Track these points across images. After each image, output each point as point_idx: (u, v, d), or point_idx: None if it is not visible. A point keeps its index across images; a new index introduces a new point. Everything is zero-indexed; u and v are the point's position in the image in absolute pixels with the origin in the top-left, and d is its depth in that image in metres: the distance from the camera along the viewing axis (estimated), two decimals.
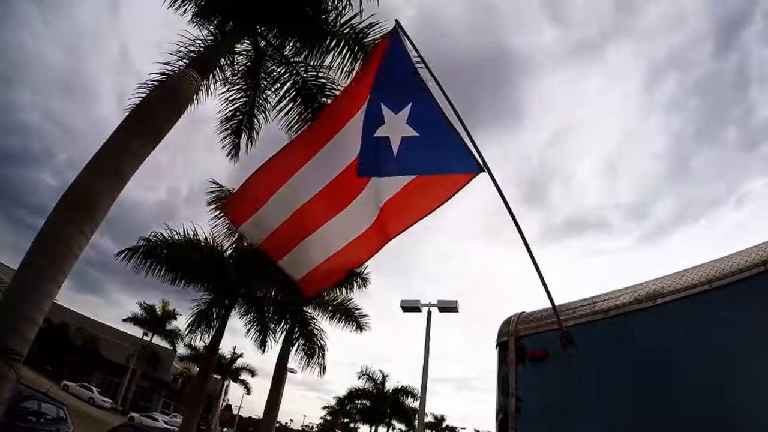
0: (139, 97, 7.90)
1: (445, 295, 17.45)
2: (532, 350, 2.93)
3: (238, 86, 10.22)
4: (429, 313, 16.50)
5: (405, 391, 42.18)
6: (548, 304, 3.10)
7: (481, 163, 3.26)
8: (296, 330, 18.05)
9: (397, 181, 3.59)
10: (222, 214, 15.76)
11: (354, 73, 9.33)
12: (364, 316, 19.58)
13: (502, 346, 3.16)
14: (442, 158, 3.43)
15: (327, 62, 9.47)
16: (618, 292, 2.92)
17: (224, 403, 56.27)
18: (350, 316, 19.31)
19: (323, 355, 18.21)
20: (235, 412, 64.53)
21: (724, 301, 2.37)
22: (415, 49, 3.70)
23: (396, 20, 3.82)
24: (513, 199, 3.65)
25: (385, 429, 47.55)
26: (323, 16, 8.64)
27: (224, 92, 10.20)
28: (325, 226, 3.90)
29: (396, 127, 3.63)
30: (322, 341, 18.16)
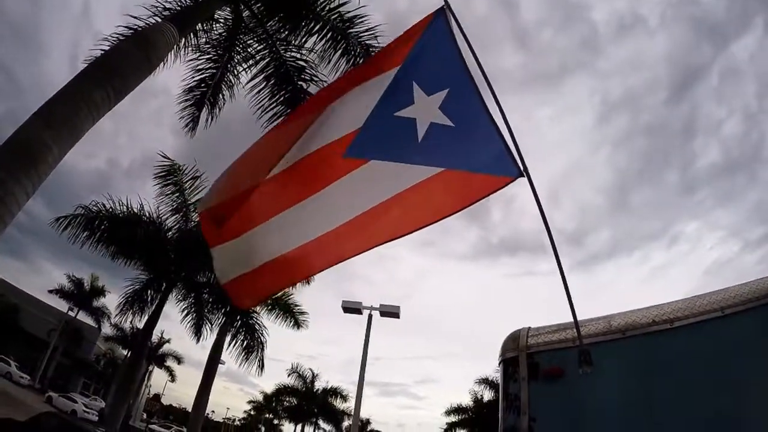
0: (102, 50, 7.18)
1: (375, 299, 17.41)
2: (548, 367, 2.73)
3: (209, 56, 9.58)
4: (370, 317, 16.33)
5: (335, 392, 41.89)
6: (553, 320, 3.02)
7: (522, 168, 2.88)
8: (237, 322, 17.31)
9: (418, 170, 3.09)
10: (168, 191, 14.97)
11: (332, 63, 9.06)
12: (302, 313, 19.13)
13: (509, 361, 2.96)
14: (478, 155, 3.01)
15: (308, 46, 9.10)
16: (633, 312, 2.88)
17: (147, 389, 53.81)
18: (289, 312, 18.78)
19: (262, 350, 17.56)
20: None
21: (736, 327, 2.46)
22: (464, 35, 3.27)
23: (445, 0, 3.41)
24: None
25: (312, 429, 47.01)
26: None
27: (193, 59, 9.52)
28: (282, 214, 3.22)
29: (426, 109, 3.18)
30: (262, 336, 17.50)
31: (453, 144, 3.08)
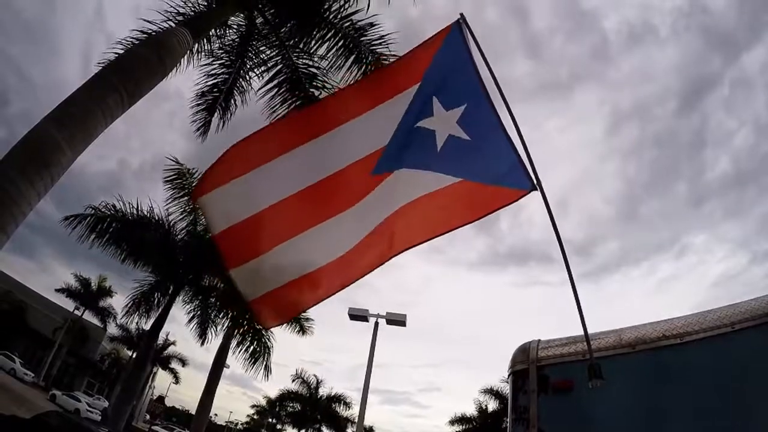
0: (116, 53, 7.27)
1: (377, 306, 17.30)
2: (557, 380, 2.71)
3: (222, 61, 9.66)
4: (376, 324, 16.23)
5: (339, 399, 41.71)
6: (560, 331, 3.00)
7: (535, 181, 2.95)
8: (243, 327, 17.30)
9: (437, 178, 3.17)
10: (178, 194, 15.04)
11: (344, 71, 9.11)
12: (308, 319, 19.01)
13: (519, 374, 2.95)
14: (493, 167, 3.08)
15: (320, 53, 9.16)
16: (643, 326, 2.86)
17: (151, 391, 53.90)
18: (294, 318, 18.73)
19: (269, 356, 17.52)
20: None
21: (747, 343, 2.43)
22: (479, 48, 3.32)
23: (461, 14, 3.45)
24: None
25: None
26: (327, 4, 8.28)
27: (206, 64, 9.61)
28: (309, 231, 3.15)
29: (444, 123, 3.26)
30: (268, 342, 17.47)
31: (469, 156, 3.16)
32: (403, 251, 3.23)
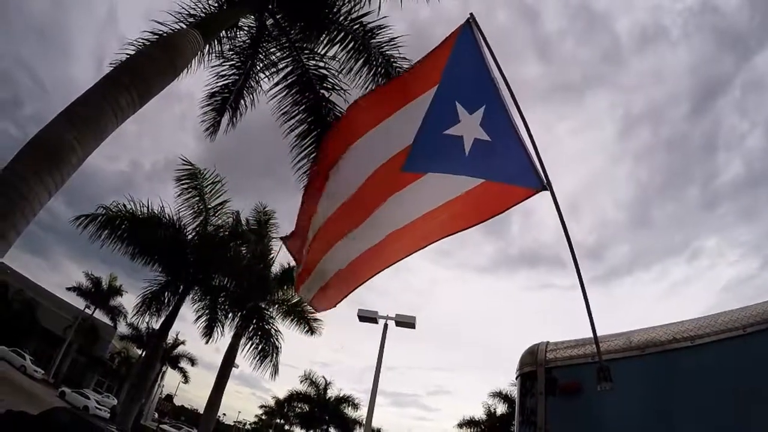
0: (127, 54, 7.33)
1: (386, 308, 17.27)
2: (565, 383, 2.69)
3: (232, 62, 9.72)
4: (385, 326, 16.15)
5: (347, 400, 41.73)
6: (570, 334, 2.98)
7: (545, 181, 3.00)
8: (252, 326, 17.37)
9: (466, 181, 3.34)
10: (189, 194, 15.16)
11: (354, 73, 9.14)
12: (317, 320, 19.09)
13: (527, 376, 2.93)
14: (508, 167, 3.20)
15: (330, 54, 9.19)
16: (654, 329, 2.84)
17: (160, 390, 54.19)
18: (304, 319, 18.81)
19: (277, 355, 17.58)
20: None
21: (758, 346, 2.41)
22: (489, 49, 3.36)
23: (471, 14, 3.48)
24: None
25: None
26: (337, 6, 8.30)
27: (216, 66, 9.67)
28: (357, 229, 3.62)
29: (470, 127, 3.36)
30: (277, 341, 17.54)
31: (490, 157, 3.29)
32: (423, 248, 3.60)
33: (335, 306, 3.93)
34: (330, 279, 3.71)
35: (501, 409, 34.49)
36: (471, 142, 3.34)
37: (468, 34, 3.44)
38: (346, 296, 3.87)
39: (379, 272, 3.77)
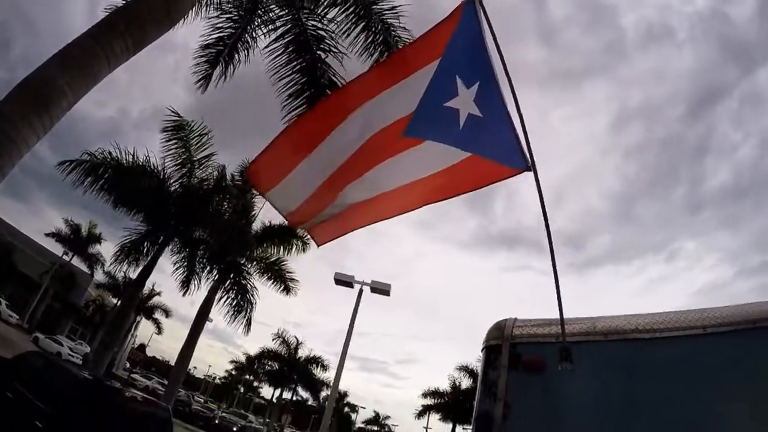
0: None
1: (364, 274, 17.50)
2: (528, 358, 2.83)
3: (230, 15, 9.52)
4: (360, 291, 16.45)
5: (316, 361, 42.47)
6: (542, 315, 3.10)
7: (530, 162, 3.09)
8: (229, 280, 17.46)
9: (456, 153, 3.47)
10: (175, 145, 14.99)
11: (352, 37, 9.04)
12: (294, 279, 19.32)
13: (492, 349, 3.05)
14: (496, 145, 3.30)
15: (329, 16, 9.07)
16: (619, 318, 2.94)
17: (133, 339, 54.36)
18: (281, 277, 18.97)
19: (251, 311, 17.75)
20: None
21: (715, 346, 2.52)
22: (489, 26, 3.41)
23: None
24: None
25: (290, 395, 47.77)
26: None
27: (213, 17, 9.46)
28: (352, 183, 3.80)
29: (466, 101, 3.46)
30: (252, 297, 17.68)
31: (480, 132, 3.39)
32: (411, 210, 3.84)
33: (330, 240, 4.10)
34: (335, 216, 3.91)
35: (466, 383, 35.45)
36: (465, 116, 3.44)
37: (470, 10, 3.50)
38: (341, 235, 4.07)
39: (370, 224, 4.04)
